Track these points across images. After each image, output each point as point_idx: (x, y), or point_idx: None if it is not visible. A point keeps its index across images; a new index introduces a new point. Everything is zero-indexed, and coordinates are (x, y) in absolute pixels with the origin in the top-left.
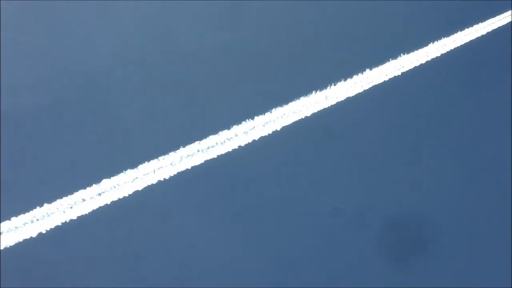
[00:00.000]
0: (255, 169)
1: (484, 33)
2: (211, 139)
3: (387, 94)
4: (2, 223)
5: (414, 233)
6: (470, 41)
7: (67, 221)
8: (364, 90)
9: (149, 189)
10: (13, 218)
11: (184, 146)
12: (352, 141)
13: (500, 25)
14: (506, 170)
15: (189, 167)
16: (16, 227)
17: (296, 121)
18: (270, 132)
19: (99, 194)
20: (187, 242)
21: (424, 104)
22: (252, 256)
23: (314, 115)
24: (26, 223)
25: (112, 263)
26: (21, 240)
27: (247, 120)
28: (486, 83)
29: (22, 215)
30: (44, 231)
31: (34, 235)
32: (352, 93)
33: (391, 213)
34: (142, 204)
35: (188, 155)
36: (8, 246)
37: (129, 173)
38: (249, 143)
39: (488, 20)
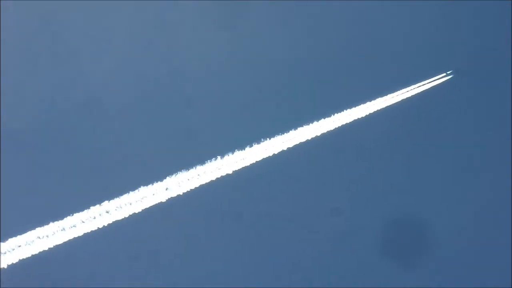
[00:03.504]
0: (255, 169)
1: None
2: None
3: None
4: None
5: (414, 233)
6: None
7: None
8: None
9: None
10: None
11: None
12: (352, 141)
13: None
14: (506, 170)
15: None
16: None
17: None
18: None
19: (107, 212)
20: (187, 242)
21: (424, 105)
22: (253, 256)
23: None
24: (27, 243)
25: (112, 263)
26: (23, 257)
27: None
28: (486, 86)
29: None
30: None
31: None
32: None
33: (391, 213)
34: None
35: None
36: (8, 265)
37: (130, 195)
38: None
39: None
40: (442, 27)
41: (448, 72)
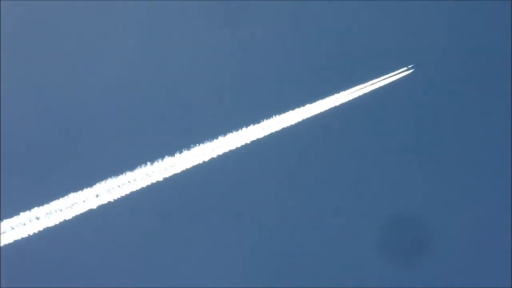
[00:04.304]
0: (255, 170)
1: None
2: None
3: (388, 95)
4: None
5: (414, 233)
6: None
7: (66, 220)
8: (365, 93)
9: (149, 190)
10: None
11: (188, 146)
12: (352, 141)
13: None
14: (506, 170)
15: (190, 167)
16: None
17: (296, 121)
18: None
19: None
20: (187, 242)
21: (424, 105)
22: (253, 256)
23: (314, 115)
24: (25, 222)
25: (112, 263)
26: (19, 238)
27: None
28: (487, 85)
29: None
30: (41, 229)
31: (31, 233)
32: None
33: (391, 213)
34: (142, 204)
35: (189, 155)
36: (8, 243)
37: (128, 175)
38: (249, 143)
39: None
40: (404, 21)
41: (409, 66)
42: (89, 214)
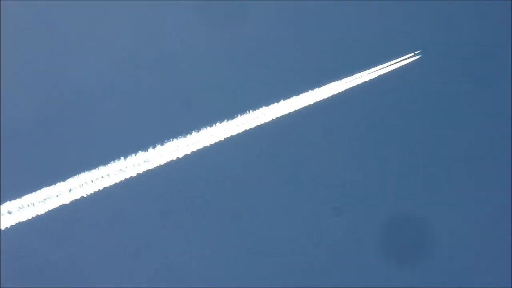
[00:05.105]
0: (255, 169)
1: None
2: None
3: (388, 95)
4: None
5: (414, 233)
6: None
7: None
8: (365, 92)
9: (149, 188)
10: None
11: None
12: (352, 141)
13: None
14: (506, 170)
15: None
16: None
17: (296, 121)
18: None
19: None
20: (188, 242)
21: (425, 105)
22: (253, 256)
23: (314, 115)
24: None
25: (112, 263)
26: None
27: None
28: (487, 82)
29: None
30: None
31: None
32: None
33: (391, 213)
34: (142, 204)
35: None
36: (8, 227)
37: (119, 164)
38: (248, 143)
39: None
40: (411, 6)
41: (416, 52)
42: (63, 209)
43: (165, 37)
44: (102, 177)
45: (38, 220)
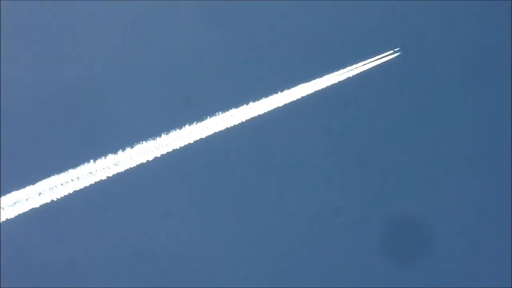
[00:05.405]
0: (255, 169)
1: None
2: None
3: (388, 94)
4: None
5: (414, 233)
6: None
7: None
8: (364, 91)
9: (149, 188)
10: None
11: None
12: (352, 141)
13: None
14: (506, 170)
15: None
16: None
17: (296, 120)
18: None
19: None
20: (188, 241)
21: (425, 105)
22: (253, 256)
23: (313, 114)
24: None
25: (113, 263)
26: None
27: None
28: (486, 81)
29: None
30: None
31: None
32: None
33: (391, 213)
34: (142, 204)
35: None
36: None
37: (117, 156)
38: (247, 143)
39: None
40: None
41: (395, 49)
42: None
43: (162, 33)
44: (91, 172)
45: (37, 220)
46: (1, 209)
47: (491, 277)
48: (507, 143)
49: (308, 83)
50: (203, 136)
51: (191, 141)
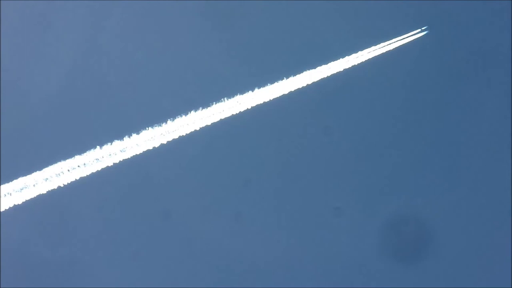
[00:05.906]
0: (255, 169)
1: None
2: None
3: (388, 94)
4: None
5: (414, 233)
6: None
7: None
8: (365, 90)
9: (149, 187)
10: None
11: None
12: (352, 140)
13: None
14: (506, 170)
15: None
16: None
17: (295, 120)
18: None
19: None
20: (188, 241)
21: (425, 105)
22: (253, 256)
23: (313, 113)
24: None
25: (112, 263)
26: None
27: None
28: (485, 80)
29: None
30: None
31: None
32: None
33: (392, 213)
34: (142, 204)
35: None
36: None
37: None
38: (247, 143)
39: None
40: None
41: (423, 28)
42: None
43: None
44: (78, 166)
45: (37, 220)
46: (7, 195)
47: (491, 277)
48: (507, 142)
49: (329, 64)
50: (203, 136)
51: (191, 142)
